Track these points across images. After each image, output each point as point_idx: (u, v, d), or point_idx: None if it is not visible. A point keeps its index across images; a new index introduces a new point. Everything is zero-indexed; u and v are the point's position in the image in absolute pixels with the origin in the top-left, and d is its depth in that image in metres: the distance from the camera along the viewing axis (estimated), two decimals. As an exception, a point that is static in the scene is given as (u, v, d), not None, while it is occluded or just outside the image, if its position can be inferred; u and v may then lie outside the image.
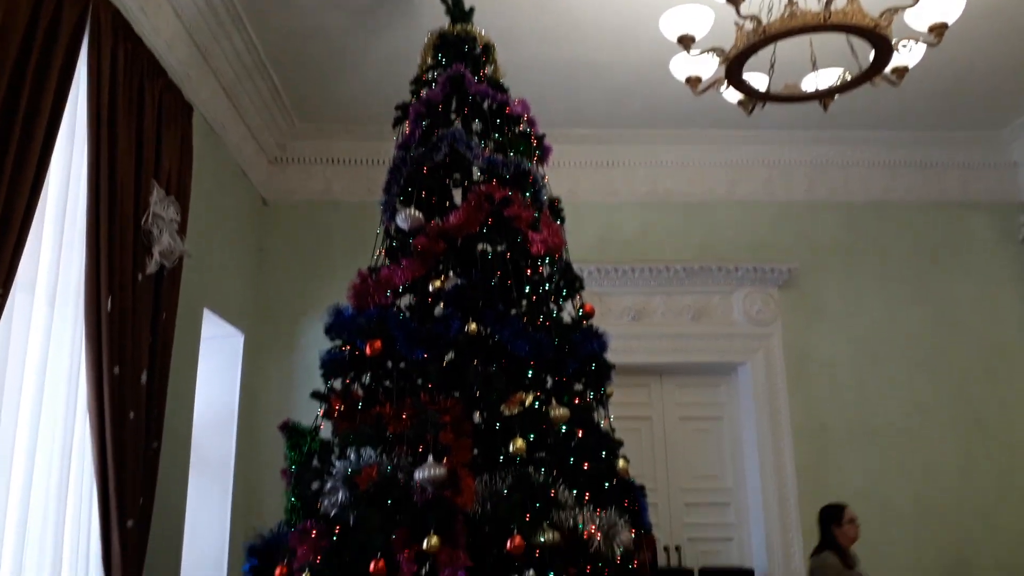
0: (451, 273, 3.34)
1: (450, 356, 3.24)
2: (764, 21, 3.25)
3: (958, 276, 6.29)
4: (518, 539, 2.69)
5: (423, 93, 3.69)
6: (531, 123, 3.73)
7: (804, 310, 6.17)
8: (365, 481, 2.82)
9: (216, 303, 4.92)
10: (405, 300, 3.48)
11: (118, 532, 3.11)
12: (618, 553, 3.07)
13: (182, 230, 3.69)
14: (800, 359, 6.07)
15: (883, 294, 6.22)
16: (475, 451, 3.02)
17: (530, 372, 3.16)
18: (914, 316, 6.18)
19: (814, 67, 3.77)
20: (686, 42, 3.44)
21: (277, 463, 3.65)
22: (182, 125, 3.94)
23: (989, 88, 5.57)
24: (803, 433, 5.92)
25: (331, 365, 3.32)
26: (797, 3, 3.30)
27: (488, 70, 3.90)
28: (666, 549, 5.86)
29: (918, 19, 3.29)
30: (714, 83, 3.71)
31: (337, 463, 2.96)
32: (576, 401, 3.32)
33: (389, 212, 3.46)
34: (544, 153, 3.77)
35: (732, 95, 3.81)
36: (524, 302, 3.38)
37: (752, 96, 3.70)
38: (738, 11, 3.24)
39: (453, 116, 3.72)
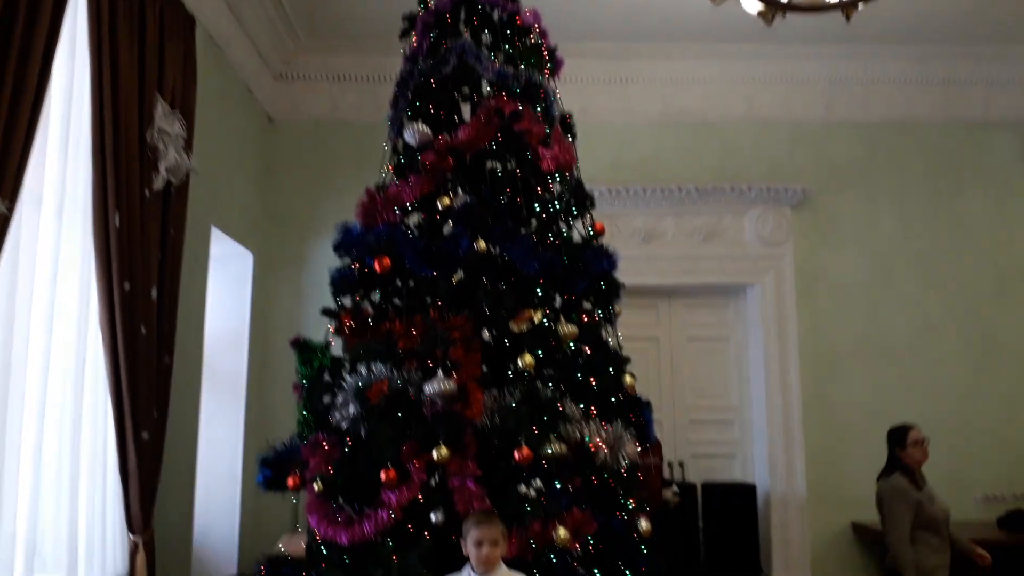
0: (460, 190, 3.31)
1: (459, 276, 3.24)
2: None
3: (975, 195, 6.19)
4: (526, 450, 2.75)
5: (431, 3, 3.58)
6: (542, 35, 3.62)
7: (817, 231, 6.11)
8: (376, 395, 2.87)
9: (224, 221, 4.91)
10: (414, 218, 3.46)
11: (134, 444, 3.19)
12: (624, 465, 3.14)
13: (188, 146, 3.65)
14: (811, 280, 6.05)
15: (898, 214, 6.14)
16: (484, 367, 3.05)
17: (539, 290, 3.16)
18: (928, 236, 6.12)
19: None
20: (705, -51, 3.30)
21: (288, 379, 3.71)
22: (184, 38, 3.84)
23: (1017, 0, 5.35)
24: (811, 353, 5.95)
25: (341, 283, 3.33)
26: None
27: (498, -22, 3.76)
28: (670, 465, 5.99)
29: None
30: (733, -8, 3.57)
31: (348, 378, 3.01)
32: (584, 319, 3.34)
33: (396, 127, 3.40)
34: (556, 66, 3.68)
35: (752, 5, 3.66)
36: (534, 220, 3.36)
37: (772, 6, 3.56)
38: (760, -86, 3.09)
39: (462, 27, 3.60)
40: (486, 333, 3.17)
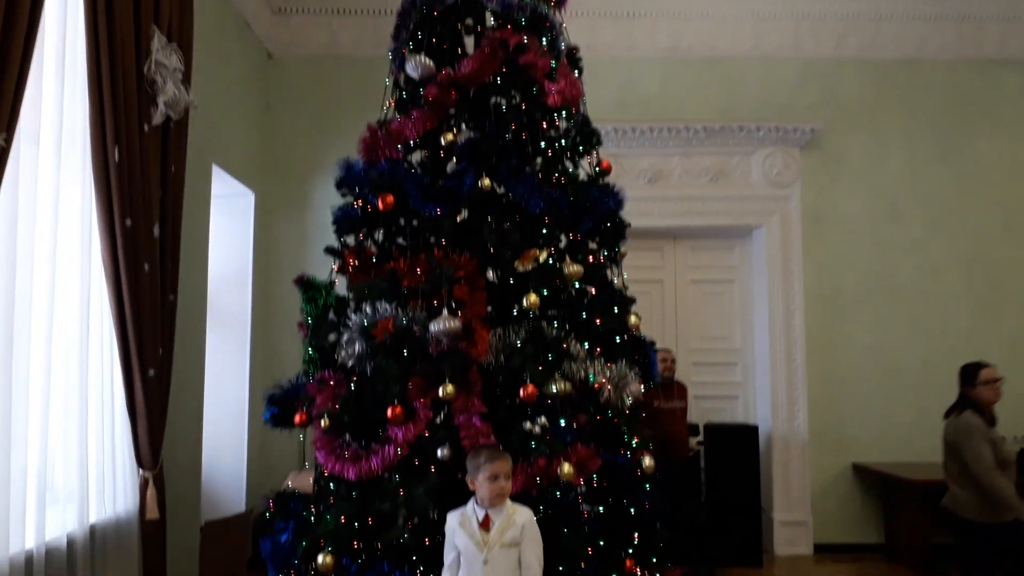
0: (464, 126, 3.23)
1: (463, 215, 3.20)
2: None
3: (985, 135, 6.10)
4: (531, 387, 2.75)
5: (433, -69, 3.44)
6: (547, -37, 3.49)
7: (825, 171, 6.04)
8: (381, 333, 2.86)
9: (224, 160, 4.85)
10: (416, 156, 3.40)
11: (140, 381, 3.20)
12: (627, 403, 3.16)
13: (186, 81, 3.57)
14: (817, 221, 6.00)
15: (907, 154, 6.06)
16: (489, 307, 3.04)
17: (544, 229, 3.12)
18: (937, 176, 6.05)
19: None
20: None
21: (293, 319, 3.71)
22: (180, -32, 3.72)
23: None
24: (815, 295, 5.95)
25: (344, 221, 3.29)
26: None
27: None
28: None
29: None
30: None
31: (353, 316, 3.00)
32: (590, 259, 3.31)
33: (398, 60, 3.31)
34: (561, -3, 3.56)
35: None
36: (539, 158, 3.30)
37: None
38: None
39: (465, -45, 3.47)
40: (491, 273, 3.16)
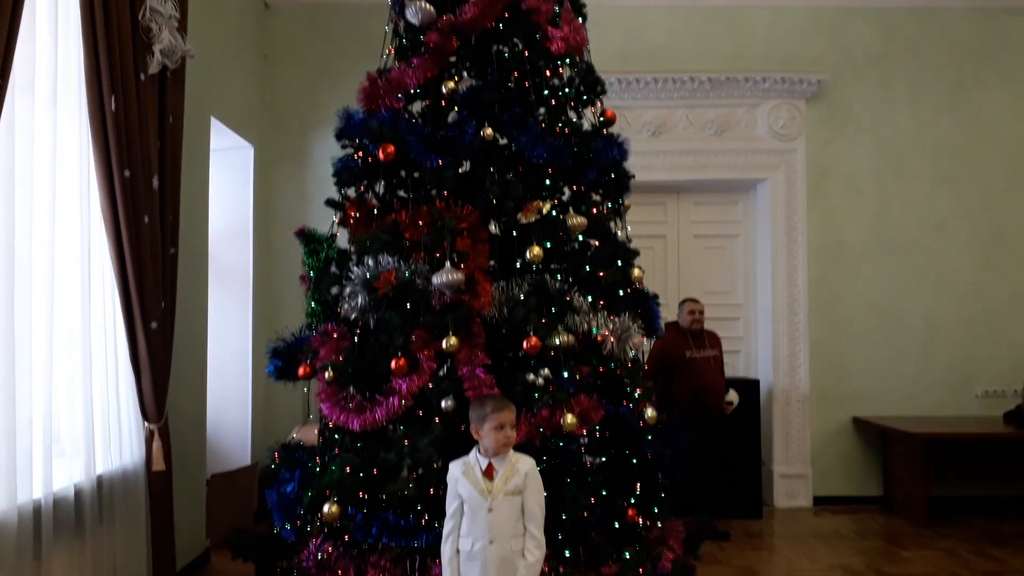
0: (465, 74, 3.18)
1: (466, 167, 3.16)
2: None
3: (994, 86, 6.00)
4: (534, 339, 2.75)
5: None
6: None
7: (830, 124, 5.96)
8: (384, 285, 2.85)
9: (223, 112, 4.78)
10: (417, 106, 3.35)
11: (143, 334, 3.19)
12: (630, 355, 3.16)
13: (182, 29, 3.49)
14: (822, 175, 5.95)
15: (914, 106, 5.98)
16: (492, 260, 3.02)
17: (547, 180, 3.09)
18: (944, 128, 5.97)
19: None
20: None
21: (294, 273, 3.70)
22: (172, -89, 3.62)
23: None
24: (818, 249, 5.92)
25: (344, 172, 3.25)
26: None
27: None
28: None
29: None
30: None
31: (355, 269, 2.98)
32: (594, 211, 3.28)
33: (398, 6, 3.23)
34: (564, -60, 3.46)
35: None
36: (542, 107, 3.25)
37: None
38: None
39: None
40: (493, 226, 3.13)
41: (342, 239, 3.32)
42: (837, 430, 5.91)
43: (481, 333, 2.83)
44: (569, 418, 2.68)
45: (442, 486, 2.56)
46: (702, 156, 5.86)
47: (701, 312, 5.15)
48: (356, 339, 2.95)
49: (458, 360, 2.77)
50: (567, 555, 2.70)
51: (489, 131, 3.01)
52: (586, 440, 2.97)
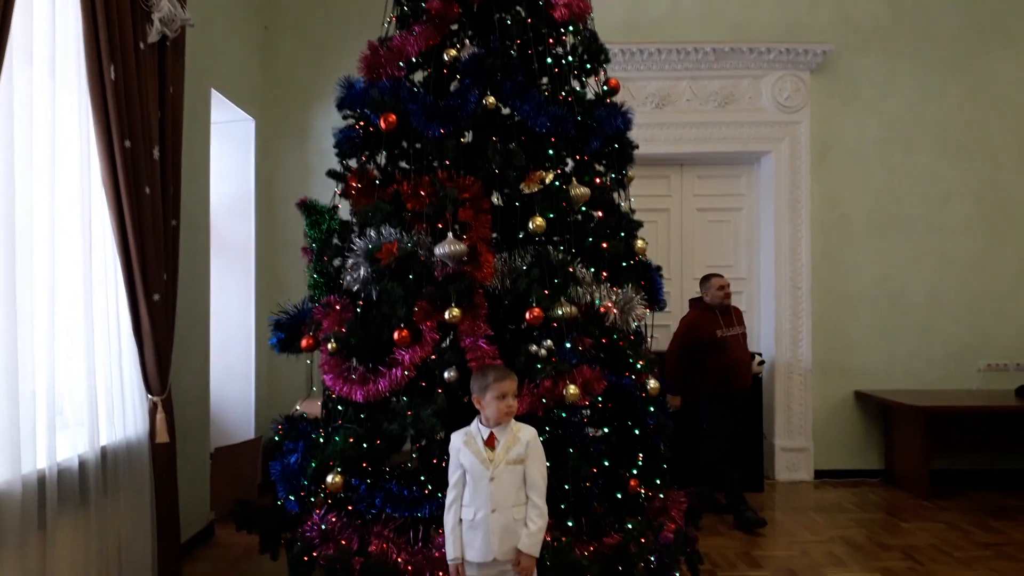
0: (467, 41, 3.14)
1: (468, 138, 3.13)
2: None
3: (1003, 57, 5.93)
4: (536, 310, 2.74)
5: None
6: None
7: (835, 96, 5.90)
8: (386, 257, 2.83)
9: (224, 84, 4.74)
10: (419, 76, 3.31)
11: (145, 305, 3.19)
12: (633, 327, 3.15)
13: (180, -2, 3.46)
14: (826, 148, 5.90)
15: (920, 78, 5.91)
16: (494, 231, 3.00)
17: (550, 150, 3.05)
18: (950, 100, 5.91)
19: None
20: None
21: (296, 247, 3.68)
22: None
23: None
24: (822, 223, 5.89)
25: (346, 143, 3.23)
26: None
27: None
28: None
29: None
30: None
31: (357, 240, 2.97)
32: (597, 181, 3.25)
33: (400, -28, 3.19)
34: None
35: None
36: (545, 76, 3.20)
37: None
38: None
39: None
40: (496, 197, 3.11)
41: (344, 210, 3.30)
42: (839, 404, 5.92)
43: (483, 304, 2.81)
44: (571, 389, 2.67)
45: (445, 457, 2.57)
46: (706, 128, 5.82)
47: (729, 287, 4.93)
48: (358, 311, 2.93)
49: (460, 331, 2.76)
50: (569, 525, 2.71)
51: (491, 99, 2.98)
52: (588, 412, 2.97)
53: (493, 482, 2.34)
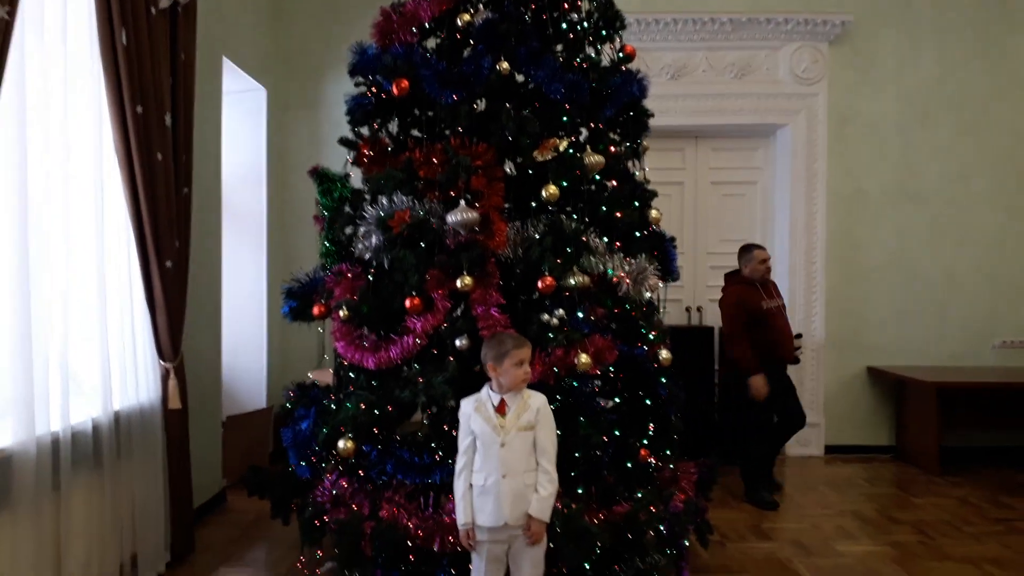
0: (481, 6, 3.09)
1: (481, 106, 3.10)
2: None
3: (1023, 31, 5.80)
4: (549, 279, 2.73)
5: None
6: None
7: (853, 68, 5.80)
8: (398, 224, 2.82)
9: (235, 53, 4.71)
10: (432, 43, 3.27)
11: (158, 272, 3.20)
12: (645, 297, 3.13)
13: (192, -37, 3.43)
14: (843, 121, 5.82)
15: (940, 50, 5.80)
16: (507, 199, 2.98)
17: (564, 117, 3.02)
18: (970, 73, 5.81)
19: None
20: None
21: (308, 216, 3.67)
22: None
23: None
24: (838, 198, 5.82)
25: (358, 110, 3.20)
26: None
27: None
28: (688, 309, 6.04)
29: None
30: None
31: (369, 208, 2.95)
32: (611, 150, 3.21)
33: (413, -64, 3.14)
34: None
35: None
36: (560, 42, 3.16)
37: None
38: None
39: None
40: (508, 166, 3.08)
41: (356, 178, 3.28)
42: (851, 379, 5.90)
43: (496, 273, 2.80)
44: (583, 358, 2.66)
45: (456, 424, 2.57)
46: (722, 100, 5.75)
47: (770, 259, 4.82)
48: (370, 279, 2.93)
49: (472, 300, 2.75)
50: (580, 493, 2.72)
51: (505, 65, 2.94)
52: (600, 382, 2.96)
53: (504, 448, 2.34)
